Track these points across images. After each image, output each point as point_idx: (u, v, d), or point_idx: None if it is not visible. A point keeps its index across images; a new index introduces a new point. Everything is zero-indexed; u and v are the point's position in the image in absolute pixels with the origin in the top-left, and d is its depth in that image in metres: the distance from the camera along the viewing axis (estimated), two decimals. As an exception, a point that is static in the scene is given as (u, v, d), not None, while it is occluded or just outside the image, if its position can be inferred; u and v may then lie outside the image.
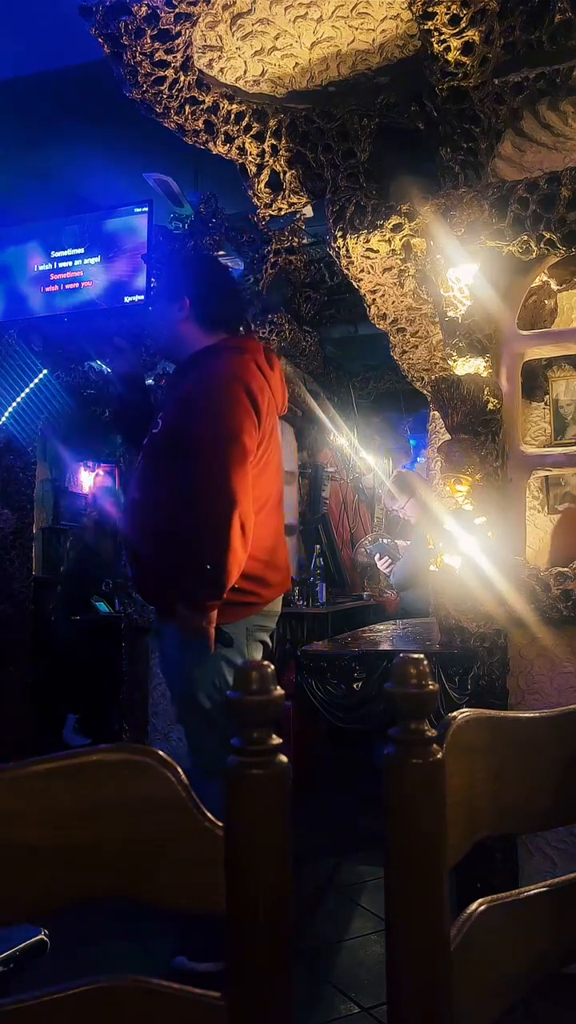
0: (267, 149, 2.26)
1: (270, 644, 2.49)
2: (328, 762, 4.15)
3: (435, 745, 0.67)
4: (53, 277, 4.53)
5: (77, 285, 4.48)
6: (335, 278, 3.93)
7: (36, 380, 4.53)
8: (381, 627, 3.36)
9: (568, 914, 0.83)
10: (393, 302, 2.49)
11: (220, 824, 0.62)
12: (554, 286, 2.50)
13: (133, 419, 2.46)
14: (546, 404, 2.73)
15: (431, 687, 0.68)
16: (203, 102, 2.13)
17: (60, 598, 4.76)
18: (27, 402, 4.54)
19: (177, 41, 1.94)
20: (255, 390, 2.20)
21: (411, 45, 2.01)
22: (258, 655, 2.37)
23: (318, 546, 5.05)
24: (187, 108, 2.12)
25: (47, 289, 4.53)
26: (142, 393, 2.59)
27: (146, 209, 4.35)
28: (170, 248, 4.13)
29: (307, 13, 1.91)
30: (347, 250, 2.21)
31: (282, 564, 2.42)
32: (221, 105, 2.17)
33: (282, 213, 2.40)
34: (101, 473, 5.02)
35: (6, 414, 4.55)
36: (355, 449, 5.64)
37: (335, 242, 2.22)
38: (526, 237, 1.97)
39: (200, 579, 2.10)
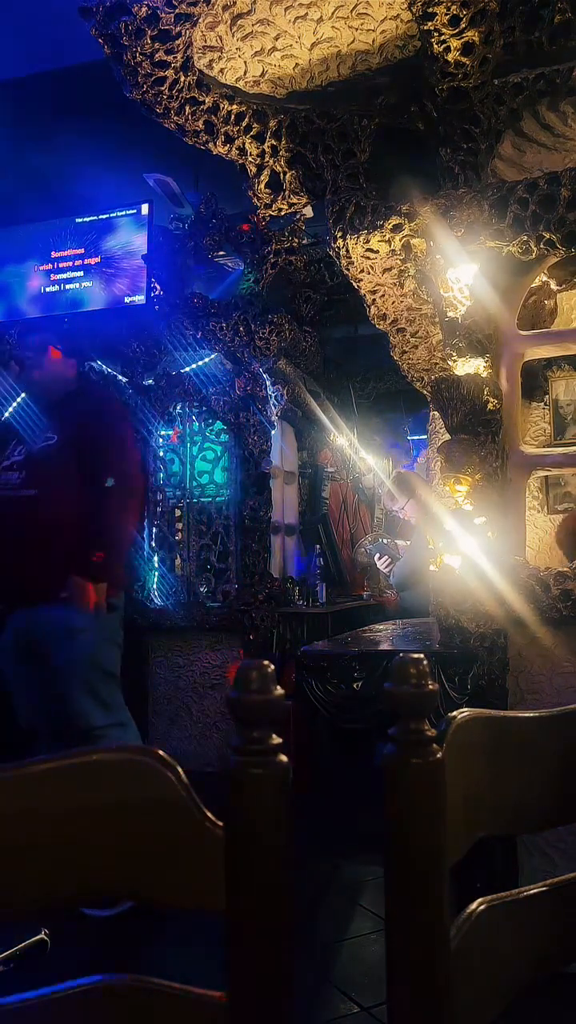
0: (267, 149, 2.26)
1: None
2: (328, 762, 4.14)
3: (435, 745, 0.67)
4: (53, 277, 4.53)
5: (77, 285, 4.48)
6: (335, 278, 3.92)
7: (36, 380, 4.51)
8: (381, 627, 3.36)
9: (568, 914, 0.83)
10: (393, 302, 2.48)
11: (220, 824, 0.62)
12: (554, 286, 2.50)
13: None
14: (546, 404, 2.73)
15: (431, 687, 0.68)
16: (203, 102, 2.13)
17: None
18: (27, 402, 4.52)
19: (177, 42, 1.94)
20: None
21: (411, 45, 2.01)
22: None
23: (318, 546, 5.04)
24: (187, 108, 2.12)
25: (47, 289, 4.53)
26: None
27: (146, 209, 4.35)
28: (170, 249, 4.13)
29: (307, 14, 1.91)
30: (347, 250, 2.21)
31: None
32: (221, 105, 2.16)
33: (282, 213, 2.40)
34: None
35: (6, 414, 4.54)
36: (355, 449, 5.63)
37: (335, 242, 2.21)
38: (526, 237, 1.97)
39: (107, 555, 2.64)
